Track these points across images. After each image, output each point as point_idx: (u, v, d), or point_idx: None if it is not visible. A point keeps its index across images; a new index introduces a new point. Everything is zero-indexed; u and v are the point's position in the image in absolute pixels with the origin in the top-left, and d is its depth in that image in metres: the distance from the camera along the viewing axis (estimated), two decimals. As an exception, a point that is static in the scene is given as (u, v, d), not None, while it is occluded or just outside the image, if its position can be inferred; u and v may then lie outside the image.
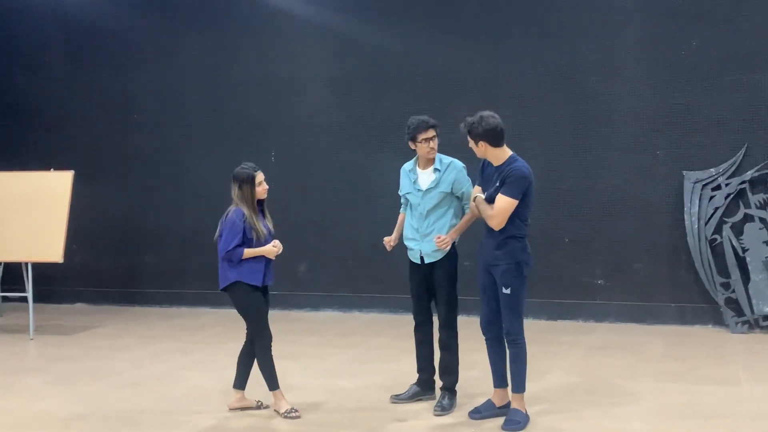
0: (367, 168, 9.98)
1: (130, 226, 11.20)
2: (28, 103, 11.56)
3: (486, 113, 5.38)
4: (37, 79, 11.55)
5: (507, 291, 5.39)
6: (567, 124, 9.45)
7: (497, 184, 5.35)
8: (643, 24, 9.24)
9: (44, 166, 9.89)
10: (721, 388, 6.48)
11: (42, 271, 9.78)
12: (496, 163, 5.43)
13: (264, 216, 5.93)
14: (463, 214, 5.97)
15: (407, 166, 6.08)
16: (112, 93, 11.28)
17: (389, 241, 6.10)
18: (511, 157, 5.42)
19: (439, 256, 5.91)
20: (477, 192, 5.55)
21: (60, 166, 9.72)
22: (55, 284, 11.09)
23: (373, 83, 10.21)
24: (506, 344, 5.51)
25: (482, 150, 5.41)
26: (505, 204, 5.29)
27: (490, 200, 5.39)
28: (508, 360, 5.54)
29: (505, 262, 5.38)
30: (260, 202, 5.92)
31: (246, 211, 5.75)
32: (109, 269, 11.29)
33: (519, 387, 5.51)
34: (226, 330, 9.32)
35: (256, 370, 5.94)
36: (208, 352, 8.22)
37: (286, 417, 5.78)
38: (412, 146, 5.94)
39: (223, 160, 10.80)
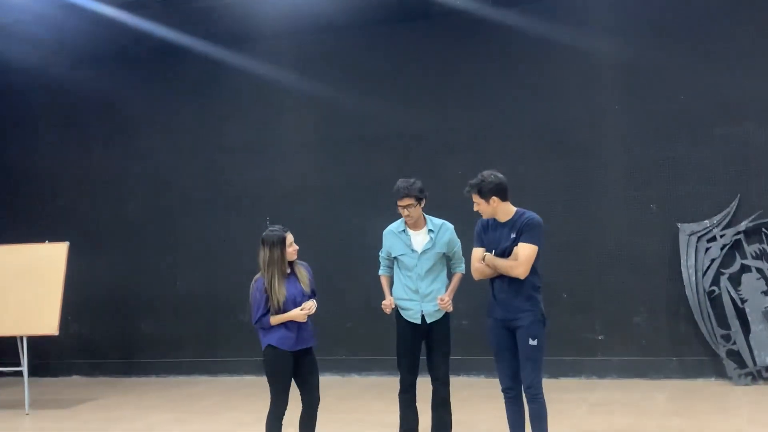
0: (360, 229, 9.97)
1: (125, 296, 11.15)
2: (21, 174, 11.61)
3: (488, 172, 5.47)
4: (30, 150, 11.63)
5: (534, 342, 5.39)
6: (559, 181, 9.50)
7: (513, 236, 5.41)
8: (630, 79, 9.35)
9: (38, 237, 9.87)
10: (726, 442, 6.38)
11: (36, 343, 9.71)
12: (504, 218, 5.49)
13: (296, 277, 5.82)
14: (451, 273, 6.09)
15: (394, 227, 6.11)
16: (105, 163, 11.35)
17: (390, 305, 6.07)
18: (519, 210, 5.53)
19: (440, 316, 5.98)
20: (480, 253, 5.53)
21: (54, 237, 9.72)
22: (49, 357, 11.00)
23: (364, 145, 10.29)
24: (528, 400, 5.47)
25: (493, 206, 5.45)
26: (530, 251, 5.36)
27: (504, 255, 5.42)
28: (529, 416, 5.49)
29: (531, 314, 5.41)
30: (290, 264, 5.82)
31: (267, 277, 5.67)
32: (104, 340, 11.21)
33: None
34: (224, 399, 9.22)
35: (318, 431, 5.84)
36: (206, 422, 8.10)
37: None
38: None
39: (218, 226, 10.87)
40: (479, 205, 5.48)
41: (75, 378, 11.23)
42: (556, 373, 9.29)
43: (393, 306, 6.04)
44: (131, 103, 11.30)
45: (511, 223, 5.46)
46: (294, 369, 5.78)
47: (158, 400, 9.44)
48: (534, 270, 5.41)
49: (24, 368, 9.09)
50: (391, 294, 6.08)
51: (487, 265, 5.46)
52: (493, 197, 5.42)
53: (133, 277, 11.13)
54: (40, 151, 11.61)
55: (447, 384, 6.02)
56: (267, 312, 5.69)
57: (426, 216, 6.04)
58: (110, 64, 11.28)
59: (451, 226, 6.07)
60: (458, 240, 6.07)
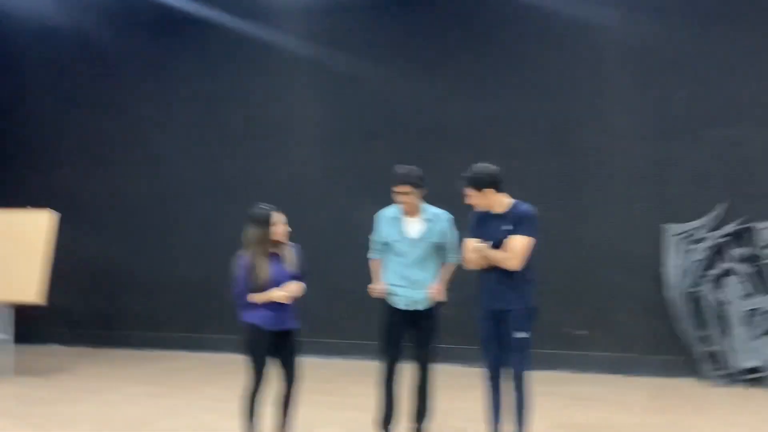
0: (354, 215, 9.94)
1: (109, 268, 11.11)
2: (12, 144, 11.52)
3: (480, 164, 5.53)
4: (22, 120, 11.53)
5: (520, 335, 5.48)
6: (553, 176, 9.51)
7: (508, 227, 5.45)
8: (630, 78, 9.36)
9: (26, 204, 9.79)
10: (701, 442, 6.44)
11: (18, 311, 9.64)
12: (500, 209, 5.53)
13: (283, 258, 5.80)
14: (444, 263, 6.08)
15: (389, 212, 6.09)
16: (101, 136, 11.28)
17: (381, 290, 6.05)
18: (516, 202, 5.57)
19: (428, 304, 5.99)
20: (473, 243, 5.56)
21: (43, 205, 9.63)
22: (30, 325, 10.92)
23: (363, 133, 10.26)
24: (513, 389, 5.54)
25: (488, 198, 5.50)
26: (525, 243, 5.42)
27: (497, 246, 5.45)
28: (514, 405, 5.55)
29: (520, 306, 5.48)
30: (278, 244, 5.80)
31: (250, 254, 5.67)
32: (85, 310, 11.18)
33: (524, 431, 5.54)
34: (203, 374, 9.21)
35: (297, 412, 5.90)
36: (183, 397, 8.09)
37: None
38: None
39: (210, 204, 10.82)
40: (472, 197, 5.51)
41: (54, 347, 11.19)
42: (536, 366, 9.17)
43: (384, 291, 6.04)
44: (131, 77, 11.21)
45: (506, 215, 5.49)
46: (274, 349, 5.78)
47: (136, 373, 9.42)
48: (528, 262, 5.44)
49: (10, 335, 9.09)
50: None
51: (481, 255, 5.47)
52: (488, 188, 5.45)
53: (119, 251, 11.09)
54: (35, 121, 11.52)
55: (431, 369, 6.04)
56: (248, 289, 5.69)
57: (424, 204, 6.03)
58: (110, 34, 11.16)
59: (448, 216, 6.08)
60: (454, 230, 6.06)
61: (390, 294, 6.00)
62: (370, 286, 6.08)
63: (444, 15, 10.03)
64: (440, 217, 6.03)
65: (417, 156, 9.64)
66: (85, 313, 11.18)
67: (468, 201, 5.54)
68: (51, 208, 9.49)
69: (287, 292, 5.71)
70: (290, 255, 5.83)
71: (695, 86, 9.09)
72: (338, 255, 10.08)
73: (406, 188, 5.89)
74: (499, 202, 5.52)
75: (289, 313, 5.82)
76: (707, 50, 9.04)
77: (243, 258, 5.74)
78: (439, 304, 6.04)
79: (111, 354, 10.66)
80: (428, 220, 5.98)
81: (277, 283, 5.71)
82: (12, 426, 6.91)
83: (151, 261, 10.99)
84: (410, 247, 5.94)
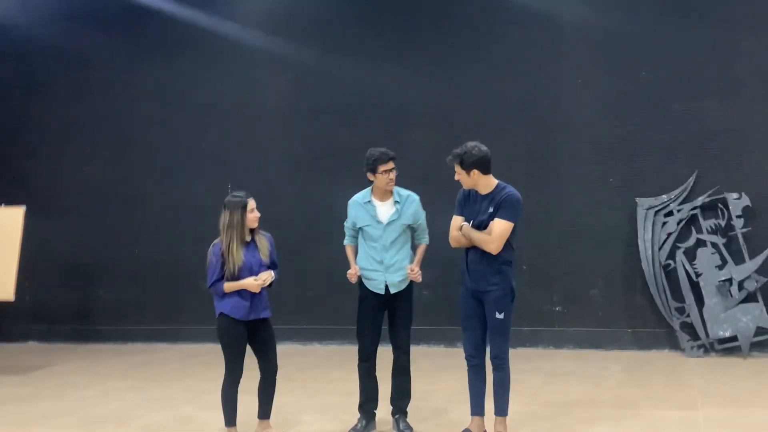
0: (324, 199, 9.93)
1: (83, 261, 11.00)
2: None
3: (472, 143, 5.50)
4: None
5: (500, 316, 5.51)
6: (522, 154, 9.55)
7: (490, 210, 5.46)
8: (594, 55, 9.41)
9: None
10: (678, 412, 6.53)
11: (-8, 309, 9.56)
12: (485, 191, 5.54)
13: (256, 246, 5.78)
14: (414, 244, 6.11)
15: (359, 198, 6.09)
16: (65, 125, 11.15)
17: (355, 274, 6.06)
18: (500, 184, 5.58)
19: (404, 286, 6.01)
20: (459, 222, 5.59)
21: (11, 201, 9.52)
22: (5, 322, 10.83)
23: (331, 114, 10.23)
24: (493, 368, 5.59)
25: (473, 179, 5.50)
26: (504, 227, 5.43)
27: (480, 227, 5.48)
28: (494, 384, 5.61)
29: (500, 287, 5.50)
30: (251, 232, 5.78)
31: (226, 241, 5.64)
32: (61, 306, 11.07)
33: (504, 410, 5.61)
34: (182, 366, 9.18)
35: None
36: (164, 389, 8.06)
37: None
38: (371, 177, 5.98)
39: (179, 192, 10.74)
40: (460, 175, 5.52)
41: (31, 344, 11.09)
42: (514, 343, 9.16)
43: (358, 275, 6.05)
44: (94, 63, 11.08)
45: (490, 197, 5.51)
46: (250, 338, 5.78)
47: (114, 367, 9.37)
48: (508, 245, 5.49)
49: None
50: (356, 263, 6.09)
51: (464, 235, 5.51)
52: (474, 170, 5.45)
53: (91, 243, 10.98)
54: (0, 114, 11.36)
55: (408, 353, 6.08)
56: (222, 278, 5.66)
57: (395, 188, 6.04)
58: (74, 22, 11.01)
59: (416, 197, 6.09)
60: (423, 211, 6.09)
61: (365, 278, 6.01)
62: (347, 272, 6.07)
63: (409, -2, 10.02)
64: (410, 199, 6.04)
65: (384, 137, 9.64)
66: (60, 309, 11.07)
67: (455, 177, 5.56)
68: (18, 202, 9.37)
69: (260, 281, 5.68)
70: (263, 243, 5.81)
71: (657, 65, 9.18)
72: (307, 240, 10.07)
73: (393, 165, 5.91)
74: (485, 183, 5.53)
75: (263, 302, 5.80)
76: (667, 31, 9.14)
77: (216, 245, 5.71)
78: (413, 286, 6.07)
79: (88, 349, 10.58)
80: (398, 203, 5.99)
81: (250, 271, 5.69)
82: (-9, 425, 6.85)
83: (122, 252, 10.90)
84: (382, 231, 5.96)
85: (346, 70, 10.14)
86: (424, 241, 6.12)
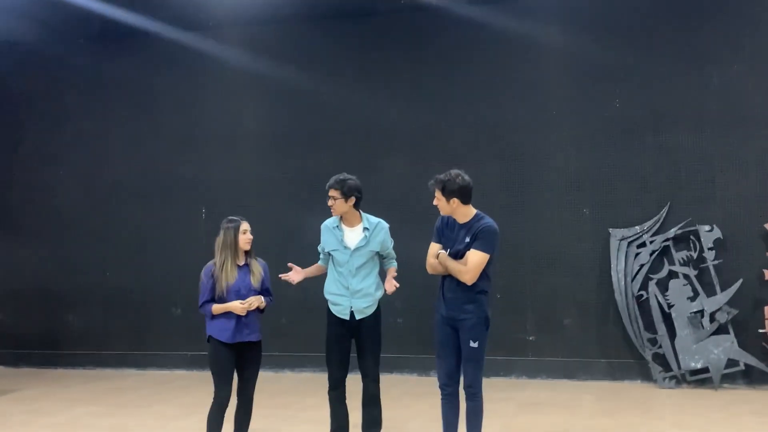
0: (298, 224, 9.91)
1: (53, 286, 10.88)
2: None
3: (456, 171, 5.52)
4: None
5: (474, 345, 5.48)
6: (496, 182, 9.60)
7: (467, 240, 5.46)
8: (569, 85, 9.51)
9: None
10: (650, 443, 6.53)
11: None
12: (462, 220, 5.54)
13: (250, 270, 5.87)
14: (383, 270, 6.14)
15: (330, 222, 6.12)
16: (37, 149, 11.06)
17: (295, 275, 6.09)
18: (477, 214, 5.58)
19: (369, 312, 5.98)
20: (436, 249, 5.59)
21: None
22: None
23: (305, 139, 10.24)
24: (466, 397, 5.55)
25: (452, 207, 5.50)
26: (479, 258, 5.42)
27: (456, 256, 5.48)
28: (467, 413, 5.57)
29: (475, 316, 5.48)
30: (246, 255, 5.92)
31: (219, 260, 5.77)
32: (29, 330, 10.92)
33: None
34: (152, 392, 9.06)
35: (251, 426, 5.90)
36: (132, 416, 7.95)
37: None
38: None
39: (152, 218, 10.67)
40: (439, 201, 5.53)
41: (-2, 369, 10.93)
42: (487, 373, 9.18)
43: (295, 278, 6.08)
44: (67, 87, 11.02)
45: (468, 226, 5.51)
46: (237, 362, 5.82)
47: (84, 392, 9.23)
48: (485, 275, 5.49)
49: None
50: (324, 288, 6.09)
51: (440, 263, 5.52)
52: (454, 198, 5.47)
53: (61, 268, 10.86)
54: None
55: (377, 381, 6.04)
56: (212, 299, 5.74)
57: (363, 214, 6.07)
58: (47, 44, 10.98)
59: (386, 225, 6.11)
60: (392, 239, 6.13)
61: (331, 304, 6.00)
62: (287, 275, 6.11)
63: (383, 24, 10.08)
64: (379, 226, 6.05)
65: (359, 163, 9.69)
66: (29, 334, 10.92)
67: (434, 202, 5.57)
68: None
69: (246, 304, 5.70)
70: (257, 269, 5.91)
71: (628, 96, 9.28)
72: (280, 265, 10.01)
73: (333, 192, 5.94)
74: (463, 212, 5.54)
75: (251, 326, 5.82)
76: (640, 63, 9.23)
77: (209, 266, 5.83)
78: (380, 314, 6.06)
79: (57, 374, 10.43)
80: (366, 230, 6.00)
81: (237, 294, 5.75)
82: (-47, 451, 6.71)
83: (92, 278, 10.79)
84: (349, 257, 5.96)
85: (322, 95, 10.17)
86: (393, 265, 6.15)
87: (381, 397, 6.09)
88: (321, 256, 6.23)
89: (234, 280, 5.74)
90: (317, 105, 10.19)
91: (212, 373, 5.81)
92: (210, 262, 5.85)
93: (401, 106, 9.97)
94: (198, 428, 6.06)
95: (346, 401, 6.09)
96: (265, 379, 9.74)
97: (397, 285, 5.97)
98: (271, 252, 10.10)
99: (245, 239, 5.87)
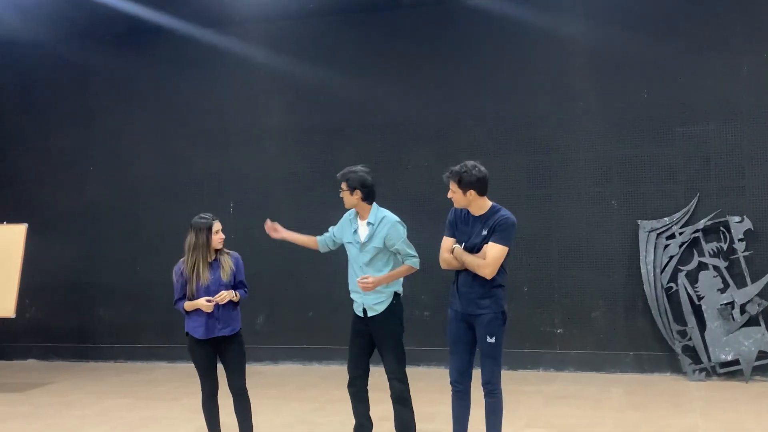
0: (325, 218, 9.88)
1: (84, 281, 11.00)
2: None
3: (471, 163, 5.37)
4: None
5: (492, 340, 5.33)
6: (523, 175, 9.56)
7: (484, 233, 5.32)
8: (596, 77, 9.43)
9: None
10: (680, 436, 6.49)
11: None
12: (478, 212, 5.40)
13: (219, 265, 5.87)
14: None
15: (349, 213, 6.06)
16: (67, 146, 11.18)
17: (275, 228, 6.18)
18: (494, 206, 5.42)
19: (380, 309, 5.83)
20: (450, 243, 5.46)
21: (12, 219, 9.56)
22: (5, 340, 10.82)
23: (332, 133, 10.25)
24: (485, 394, 5.43)
25: (468, 199, 5.35)
26: (499, 252, 5.27)
27: (472, 250, 5.34)
28: (486, 411, 5.45)
29: (491, 311, 5.34)
30: (217, 252, 5.92)
31: (191, 261, 5.79)
32: (61, 324, 11.06)
33: None
34: (181, 385, 9.15)
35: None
36: (161, 408, 8.04)
37: None
38: None
39: (180, 212, 10.70)
40: (455, 193, 5.37)
41: (31, 362, 11.07)
42: (514, 365, 9.36)
43: (277, 232, 6.21)
44: (95, 85, 11.13)
45: (484, 219, 5.36)
46: (219, 356, 5.92)
47: (114, 385, 9.35)
48: (501, 269, 5.34)
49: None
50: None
51: (456, 258, 5.39)
52: (471, 190, 5.32)
53: (92, 262, 10.99)
54: (1, 131, 11.38)
55: (401, 381, 5.85)
56: (183, 296, 5.83)
57: (374, 209, 5.90)
58: (75, 43, 11.10)
59: (392, 220, 5.84)
60: (401, 235, 5.83)
61: (353, 300, 5.97)
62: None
63: (407, 18, 10.04)
64: (383, 221, 5.82)
65: (384, 157, 9.72)
66: (60, 327, 11.07)
67: (449, 195, 5.42)
68: (20, 221, 9.40)
69: (213, 300, 5.74)
70: (228, 263, 5.91)
71: (659, 86, 9.18)
72: (307, 259, 10.04)
73: (342, 185, 5.89)
74: (479, 204, 5.37)
75: (223, 320, 5.84)
76: (677, 46, 9.12)
77: (179, 265, 5.89)
78: (396, 310, 5.85)
79: (88, 367, 10.57)
80: (371, 225, 5.84)
81: (209, 290, 5.78)
82: (-12, 443, 6.83)
83: (121, 271, 10.90)
84: (358, 252, 5.88)
85: (346, 89, 10.16)
86: (408, 263, 5.87)
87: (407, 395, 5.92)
88: (326, 234, 6.19)
89: (207, 280, 5.77)
90: (342, 100, 10.19)
91: (195, 367, 5.93)
92: (180, 261, 5.88)
93: (426, 100, 9.94)
94: (225, 421, 6.11)
95: (368, 396, 6.01)
96: (292, 371, 9.85)
97: (369, 283, 5.67)
98: (297, 246, 10.15)
99: (218, 239, 5.84)
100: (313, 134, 10.31)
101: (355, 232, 5.92)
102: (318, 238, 6.24)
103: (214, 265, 5.86)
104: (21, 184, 11.21)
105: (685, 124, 9.09)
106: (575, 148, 9.45)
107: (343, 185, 5.89)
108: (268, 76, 10.49)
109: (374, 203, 5.94)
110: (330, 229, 6.20)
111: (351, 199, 5.87)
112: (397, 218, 5.89)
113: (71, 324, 11.06)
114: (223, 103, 10.68)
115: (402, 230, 5.85)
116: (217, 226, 5.85)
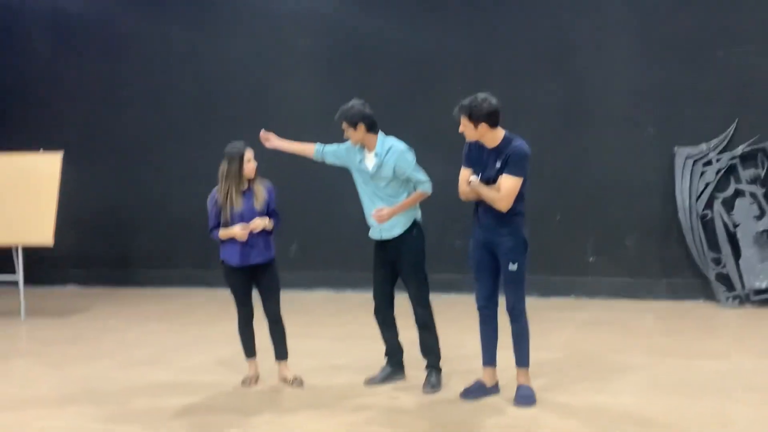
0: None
1: (121, 207, 11.14)
2: (16, 83, 11.45)
3: (482, 95, 5.34)
4: (25, 59, 11.44)
5: (513, 267, 5.41)
6: (558, 103, 9.43)
7: (497, 165, 5.34)
8: (631, 3, 9.19)
9: (32, 146, 9.79)
10: (711, 362, 6.51)
11: (32, 253, 9.72)
12: (491, 144, 5.39)
13: (253, 194, 5.91)
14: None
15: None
16: (101, 74, 11.19)
17: (267, 137, 6.21)
18: (506, 136, 5.40)
19: (397, 233, 5.85)
20: (467, 175, 5.48)
21: (49, 146, 9.64)
22: (45, 267, 11.04)
23: (362, 66, 10.13)
24: (511, 320, 5.53)
25: (481, 132, 5.34)
26: (513, 184, 5.30)
27: (488, 183, 5.37)
28: (513, 336, 5.55)
29: (512, 238, 5.40)
30: (249, 181, 5.94)
31: (224, 189, 5.83)
32: (100, 251, 11.24)
33: (524, 362, 5.56)
34: (218, 310, 9.30)
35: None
36: (199, 332, 8.21)
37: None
38: None
39: (213, 140, 10.69)
40: (466, 127, 5.37)
41: (70, 288, 11.31)
42: (546, 293, 9.38)
43: (270, 140, 6.21)
44: (127, 17, 11.07)
45: (497, 151, 5.36)
46: (255, 282, 6.03)
47: (152, 310, 9.54)
48: (520, 195, 5.36)
49: (20, 277, 9.16)
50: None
51: (472, 190, 5.42)
52: (483, 123, 5.31)
53: (128, 189, 11.09)
54: (35, 59, 11.41)
55: (424, 306, 5.93)
56: (218, 224, 5.87)
57: (381, 138, 5.87)
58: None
59: (399, 148, 5.80)
60: (410, 163, 5.79)
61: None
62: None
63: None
64: (390, 151, 5.79)
65: (417, 89, 9.61)
66: (98, 254, 11.25)
67: (460, 129, 5.43)
68: (56, 148, 9.50)
69: (247, 228, 5.78)
70: (261, 192, 5.93)
71: (698, 10, 8.95)
72: (339, 189, 10.06)
73: (344, 124, 5.86)
74: (492, 137, 5.36)
75: (257, 248, 5.89)
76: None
77: (213, 193, 5.93)
78: (414, 235, 5.86)
79: (125, 293, 10.77)
80: (377, 155, 5.81)
81: (241, 218, 5.82)
82: (30, 364, 7.05)
83: (157, 199, 11.00)
84: (366, 181, 5.90)
85: (377, 19, 10.01)
86: (421, 189, 5.84)
87: (438, 319, 6.03)
88: (328, 146, 6.17)
89: (240, 207, 5.81)
90: (373, 32, 10.03)
91: (231, 294, 6.05)
92: (214, 189, 5.92)
93: (458, 30, 9.76)
94: (261, 345, 6.24)
95: (393, 324, 6.11)
96: (325, 298, 9.99)
97: (384, 215, 5.71)
98: (329, 177, 10.10)
99: (250, 168, 5.86)
100: (344, 67, 10.19)
101: (361, 161, 5.92)
102: (316, 146, 6.22)
103: (248, 193, 5.89)
104: (56, 110, 11.27)
105: (725, 47, 8.87)
106: (611, 74, 9.27)
107: (344, 124, 5.88)
108: (297, 10, 10.34)
109: (380, 132, 5.92)
110: (336, 145, 6.14)
111: (356, 134, 5.86)
112: (404, 146, 5.88)
113: (109, 251, 11.24)
114: (253, 37, 10.58)
115: (411, 158, 5.84)
116: (249, 154, 5.86)
